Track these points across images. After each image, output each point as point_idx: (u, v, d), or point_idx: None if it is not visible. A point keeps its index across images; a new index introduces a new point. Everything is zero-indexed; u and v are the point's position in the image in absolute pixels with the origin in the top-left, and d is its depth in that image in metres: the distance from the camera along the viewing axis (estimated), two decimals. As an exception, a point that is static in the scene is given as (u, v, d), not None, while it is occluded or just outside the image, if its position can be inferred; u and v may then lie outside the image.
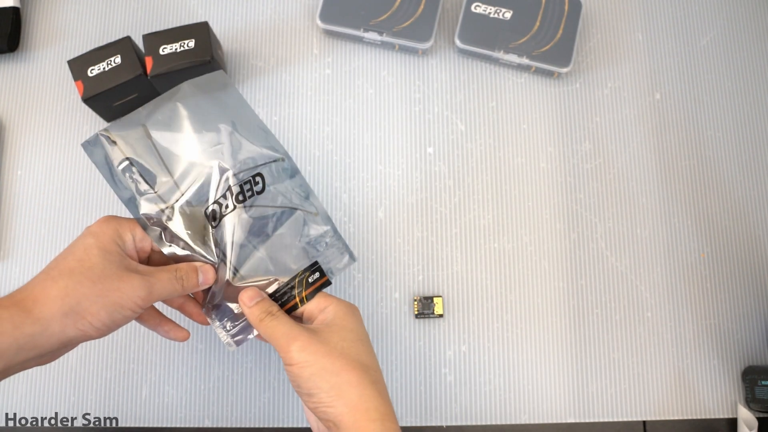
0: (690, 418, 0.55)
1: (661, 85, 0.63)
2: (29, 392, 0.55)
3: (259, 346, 0.56)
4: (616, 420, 0.55)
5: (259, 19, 0.64)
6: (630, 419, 0.55)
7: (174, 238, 0.44)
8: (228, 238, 0.44)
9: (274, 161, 0.47)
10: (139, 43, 0.58)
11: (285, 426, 0.55)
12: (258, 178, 0.46)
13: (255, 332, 0.45)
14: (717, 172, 0.61)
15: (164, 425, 0.55)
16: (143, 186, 0.43)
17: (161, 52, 0.55)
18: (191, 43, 0.55)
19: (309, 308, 0.43)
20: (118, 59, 0.55)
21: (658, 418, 0.55)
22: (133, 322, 0.43)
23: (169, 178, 0.44)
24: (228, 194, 0.45)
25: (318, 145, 0.61)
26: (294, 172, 0.49)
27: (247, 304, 0.42)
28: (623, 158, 0.61)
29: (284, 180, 0.48)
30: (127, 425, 0.55)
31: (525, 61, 0.60)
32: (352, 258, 0.49)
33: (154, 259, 0.45)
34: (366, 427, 0.36)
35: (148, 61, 0.55)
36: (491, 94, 0.62)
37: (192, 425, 0.55)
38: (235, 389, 0.56)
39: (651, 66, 0.63)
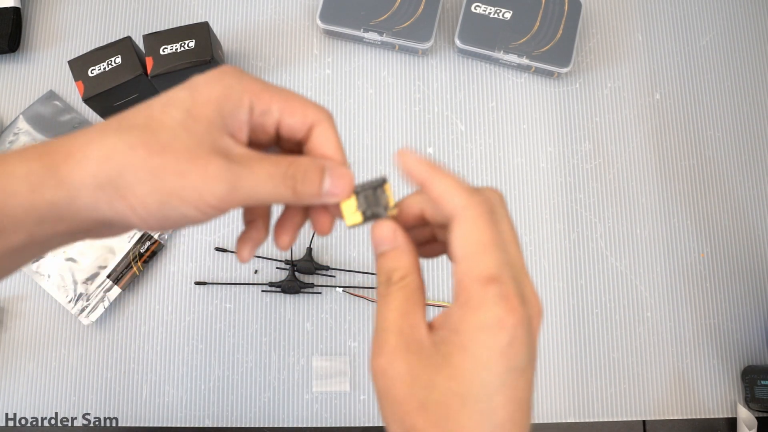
0: (689, 417, 0.55)
1: (661, 85, 0.63)
2: (29, 392, 0.55)
3: (259, 346, 0.56)
4: (615, 420, 0.55)
5: (259, 19, 0.64)
6: (630, 419, 0.55)
7: None
8: None
9: None
10: (140, 43, 0.58)
11: (285, 426, 0.55)
12: None
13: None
14: (717, 172, 0.61)
15: (164, 425, 0.55)
16: None
17: (162, 53, 0.55)
18: (191, 44, 0.55)
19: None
20: (118, 59, 0.56)
21: (657, 418, 0.55)
22: None
23: None
24: None
25: (318, 145, 0.61)
26: None
27: None
28: (623, 158, 0.61)
29: None
30: (127, 425, 0.55)
31: (525, 61, 0.60)
32: None
33: (285, 150, 0.31)
34: None
35: (149, 61, 0.55)
36: (491, 94, 0.62)
37: (192, 425, 0.55)
38: (235, 389, 0.56)
39: (651, 66, 0.63)
